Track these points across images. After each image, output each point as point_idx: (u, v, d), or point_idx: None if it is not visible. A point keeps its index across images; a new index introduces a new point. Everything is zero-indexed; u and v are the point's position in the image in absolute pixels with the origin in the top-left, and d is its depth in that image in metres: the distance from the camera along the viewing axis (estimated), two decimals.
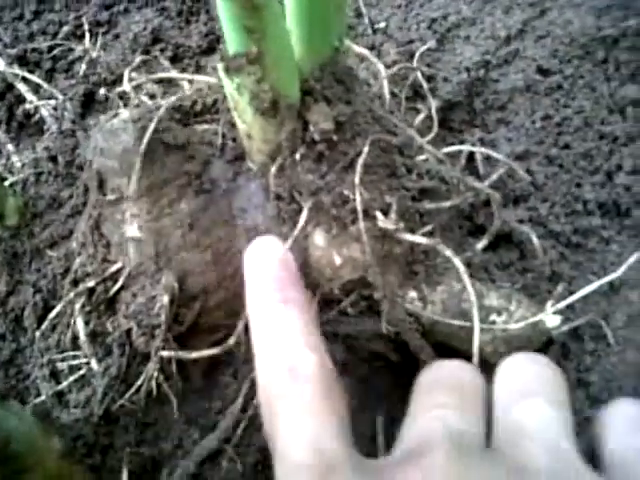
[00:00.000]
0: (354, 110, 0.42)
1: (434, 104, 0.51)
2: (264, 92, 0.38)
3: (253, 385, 0.45)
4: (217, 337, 0.45)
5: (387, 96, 0.49)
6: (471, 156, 0.52)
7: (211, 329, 0.46)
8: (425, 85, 0.52)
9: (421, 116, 0.50)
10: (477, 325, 0.42)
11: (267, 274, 0.39)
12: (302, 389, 0.34)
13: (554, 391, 0.38)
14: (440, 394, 0.38)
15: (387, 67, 0.52)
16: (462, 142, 0.51)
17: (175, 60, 0.61)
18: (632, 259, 0.45)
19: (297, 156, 0.41)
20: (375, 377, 0.48)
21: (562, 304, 0.46)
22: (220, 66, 0.38)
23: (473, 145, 0.51)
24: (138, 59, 0.54)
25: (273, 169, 0.42)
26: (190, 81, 0.53)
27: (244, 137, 0.43)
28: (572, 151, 0.51)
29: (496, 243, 0.50)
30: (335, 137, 0.41)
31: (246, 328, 0.45)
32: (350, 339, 0.46)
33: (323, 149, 0.41)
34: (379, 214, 0.41)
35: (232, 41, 0.37)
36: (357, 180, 0.40)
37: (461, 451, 0.33)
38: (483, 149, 0.48)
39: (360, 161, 0.40)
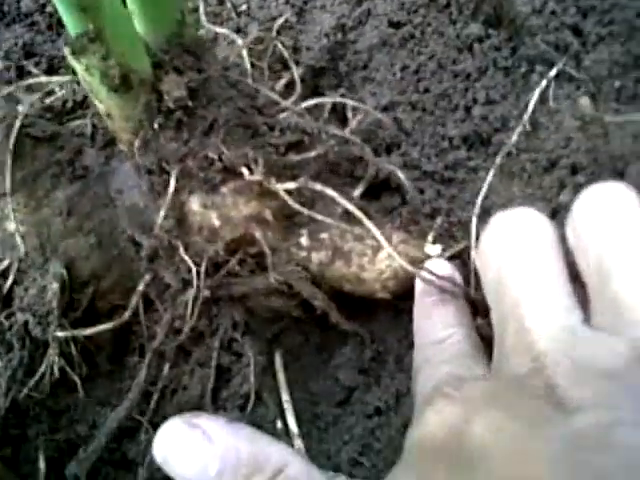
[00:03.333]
0: (206, 77, 0.44)
1: (297, 71, 0.54)
2: (112, 69, 0.40)
3: (160, 357, 0.46)
4: (116, 319, 0.46)
5: (248, 66, 0.51)
6: (344, 116, 0.54)
7: (109, 312, 0.47)
8: (286, 54, 0.54)
9: (283, 81, 0.52)
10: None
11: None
12: None
13: None
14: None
15: (252, 44, 0.55)
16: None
17: (51, 72, 0.62)
18: (489, 177, 0.48)
19: (156, 126, 0.42)
20: (283, 337, 0.50)
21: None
22: (66, 50, 0.40)
23: None
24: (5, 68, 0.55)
25: (137, 144, 0.43)
26: (61, 85, 0.55)
27: (106, 118, 0.44)
28: (432, 94, 0.54)
29: (378, 192, 0.52)
30: (190, 103, 0.43)
31: (145, 305, 0.47)
32: (247, 300, 0.47)
33: (181, 116, 0.43)
34: (245, 170, 0.43)
35: (71, 23, 0.39)
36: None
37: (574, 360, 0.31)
38: (339, 98, 0.50)
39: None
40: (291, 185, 0.43)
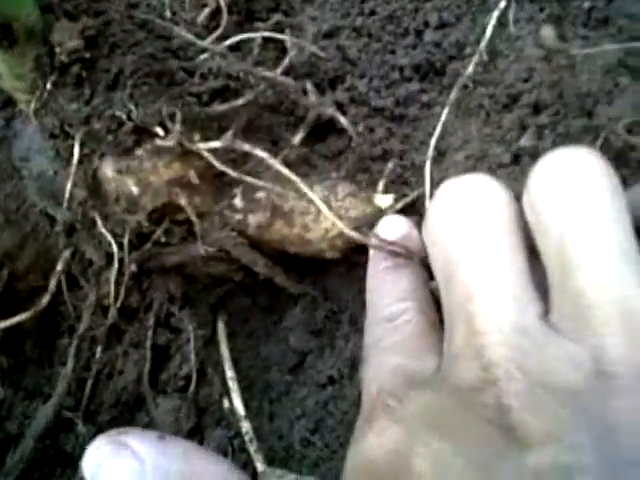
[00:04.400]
0: (106, 20, 0.37)
1: None
2: None
3: (91, 339, 0.42)
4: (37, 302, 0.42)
5: None
6: (283, 46, 0.48)
7: (30, 294, 0.42)
8: None
9: (207, 10, 0.45)
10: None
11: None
12: None
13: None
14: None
15: None
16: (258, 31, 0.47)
17: None
18: (444, 115, 0.43)
19: (49, 85, 0.36)
20: (228, 301, 0.46)
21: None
22: None
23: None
24: None
25: (32, 106, 0.37)
26: None
27: None
28: (378, 17, 0.47)
29: (324, 133, 0.47)
30: (88, 54, 0.36)
31: (69, 283, 0.43)
32: (184, 268, 0.43)
33: (78, 71, 0.36)
34: (159, 130, 0.37)
35: None
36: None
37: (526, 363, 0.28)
38: (266, 33, 0.44)
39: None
40: (214, 144, 0.38)
